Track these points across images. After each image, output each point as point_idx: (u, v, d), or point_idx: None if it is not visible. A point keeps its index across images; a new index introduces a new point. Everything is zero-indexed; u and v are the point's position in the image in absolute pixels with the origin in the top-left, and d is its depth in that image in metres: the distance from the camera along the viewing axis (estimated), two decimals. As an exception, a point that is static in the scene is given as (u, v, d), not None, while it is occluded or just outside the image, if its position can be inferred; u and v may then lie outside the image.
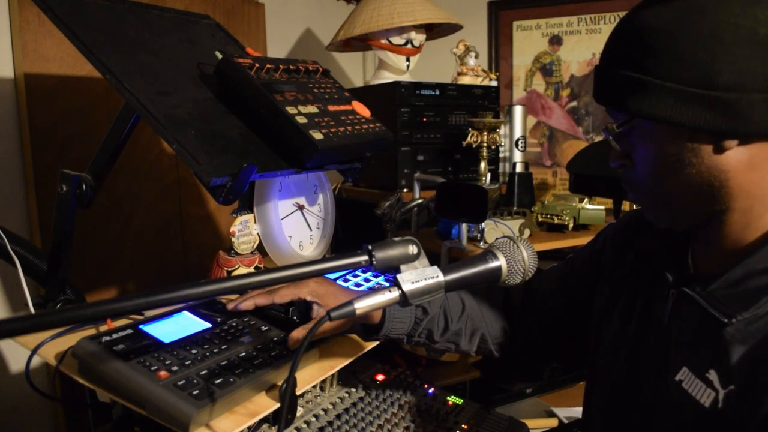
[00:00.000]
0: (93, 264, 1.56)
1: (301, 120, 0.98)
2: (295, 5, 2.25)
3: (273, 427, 0.88)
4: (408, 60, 1.84)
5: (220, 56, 1.02)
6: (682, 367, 0.67)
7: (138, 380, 0.71)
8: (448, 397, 1.12)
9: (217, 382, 0.74)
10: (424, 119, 1.66)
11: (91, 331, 0.90)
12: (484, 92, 1.78)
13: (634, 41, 0.65)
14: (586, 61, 2.35)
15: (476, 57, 1.86)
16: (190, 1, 1.76)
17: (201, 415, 0.69)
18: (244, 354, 0.82)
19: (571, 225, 1.62)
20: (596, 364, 0.86)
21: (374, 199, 1.53)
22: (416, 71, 1.92)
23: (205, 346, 0.82)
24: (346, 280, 1.14)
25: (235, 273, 1.11)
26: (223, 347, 0.82)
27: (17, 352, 1.48)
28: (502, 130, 1.88)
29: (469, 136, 1.57)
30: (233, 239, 1.10)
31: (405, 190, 1.62)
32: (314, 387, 1.02)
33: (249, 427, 0.76)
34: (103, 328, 0.91)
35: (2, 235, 1.02)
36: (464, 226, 1.37)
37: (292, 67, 1.11)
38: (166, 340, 0.81)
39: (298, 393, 0.87)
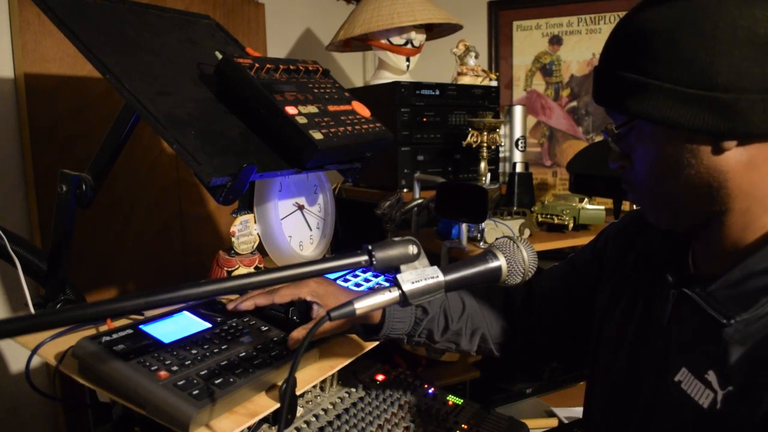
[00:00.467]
0: (93, 264, 1.56)
1: (301, 120, 0.98)
2: (295, 5, 2.25)
3: (273, 427, 0.88)
4: (408, 60, 1.84)
5: (220, 56, 1.02)
6: (682, 367, 0.67)
7: (138, 380, 0.71)
8: (448, 397, 1.12)
9: (217, 382, 0.74)
10: (424, 119, 1.66)
11: (91, 331, 0.90)
12: (484, 92, 1.78)
13: (633, 42, 0.65)
14: (586, 61, 2.35)
15: (476, 57, 1.86)
16: (190, 1, 1.76)
17: (201, 415, 0.69)
18: (244, 354, 0.82)
19: (571, 225, 1.62)
20: (597, 364, 0.86)
21: (374, 199, 1.53)
22: (416, 71, 1.92)
23: (205, 346, 0.82)
24: (346, 280, 1.14)
25: (235, 273, 1.11)
26: (223, 347, 0.82)
27: (17, 352, 1.48)
28: (502, 130, 1.88)
29: (469, 136, 1.57)
30: (233, 239, 1.10)
31: (405, 190, 1.62)
32: (314, 387, 1.02)
33: (249, 427, 0.76)
34: (103, 328, 0.91)
35: (2, 235, 1.02)
36: (464, 226, 1.37)
37: (292, 67, 1.11)
38: (166, 340, 0.81)
39: (298, 393, 0.87)
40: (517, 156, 1.90)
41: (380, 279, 1.18)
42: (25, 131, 1.44)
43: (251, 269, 1.13)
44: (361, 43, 1.87)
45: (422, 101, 1.65)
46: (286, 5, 2.19)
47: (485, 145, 1.56)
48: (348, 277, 1.16)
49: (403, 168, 1.63)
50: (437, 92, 1.68)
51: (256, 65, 1.03)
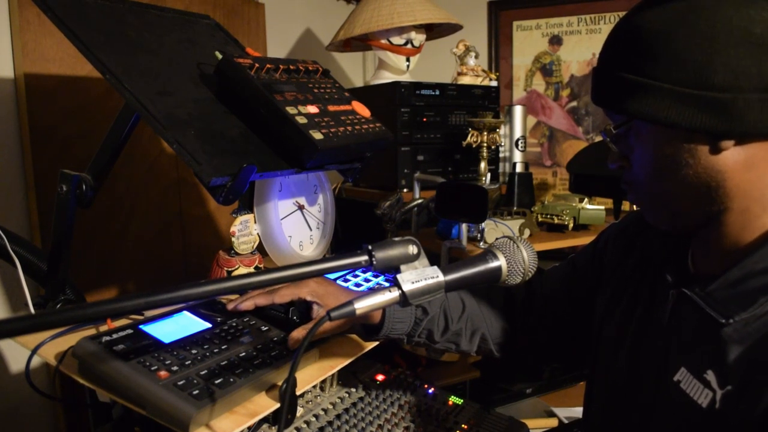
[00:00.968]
0: (93, 264, 1.56)
1: (301, 120, 0.98)
2: (295, 5, 2.25)
3: (273, 427, 0.88)
4: (408, 60, 1.84)
5: (220, 56, 1.02)
6: (681, 367, 0.67)
7: (138, 380, 0.71)
8: (448, 397, 1.12)
9: (217, 382, 0.74)
10: (424, 119, 1.66)
11: (91, 331, 0.90)
12: (484, 92, 1.78)
13: (631, 43, 0.65)
14: (586, 61, 2.35)
15: (476, 57, 1.86)
16: (190, 1, 1.76)
17: (201, 415, 0.69)
18: (244, 354, 0.82)
19: (571, 225, 1.62)
20: (597, 364, 0.86)
21: (374, 199, 1.53)
22: (416, 71, 1.92)
23: (205, 346, 0.82)
24: (346, 280, 1.14)
25: (235, 273, 1.11)
26: (223, 347, 0.82)
27: (17, 352, 1.48)
28: (502, 130, 1.88)
29: (469, 136, 1.57)
30: (233, 239, 1.10)
31: (405, 190, 1.62)
32: (314, 387, 1.02)
33: (249, 427, 0.76)
34: (103, 328, 0.91)
35: (2, 235, 1.02)
36: (464, 226, 1.37)
37: (292, 67, 1.11)
38: (166, 340, 0.81)
39: (298, 393, 0.87)
40: (517, 156, 1.90)
41: (380, 279, 1.18)
42: (25, 131, 1.44)
43: (251, 269, 1.13)
44: (361, 43, 1.87)
45: (422, 101, 1.65)
46: (286, 5, 2.19)
47: (485, 145, 1.56)
48: (348, 277, 1.16)
49: (403, 168, 1.63)
50: (437, 92, 1.68)
51: (256, 65, 1.03)
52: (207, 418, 0.71)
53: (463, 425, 1.04)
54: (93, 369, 0.75)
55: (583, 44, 2.34)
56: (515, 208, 1.61)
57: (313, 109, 1.04)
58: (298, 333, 0.86)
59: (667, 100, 0.62)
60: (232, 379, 0.75)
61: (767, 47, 0.58)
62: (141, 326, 0.84)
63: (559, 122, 2.42)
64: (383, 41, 1.81)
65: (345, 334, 0.97)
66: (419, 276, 0.67)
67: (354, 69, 2.56)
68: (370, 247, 0.66)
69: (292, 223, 1.21)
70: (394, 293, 0.66)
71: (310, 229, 1.27)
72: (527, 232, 1.53)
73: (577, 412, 1.53)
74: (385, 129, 1.16)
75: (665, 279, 0.74)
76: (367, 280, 1.16)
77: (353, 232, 1.65)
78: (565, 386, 1.70)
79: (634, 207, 1.51)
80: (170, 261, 1.75)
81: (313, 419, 0.95)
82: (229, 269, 1.11)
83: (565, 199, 1.70)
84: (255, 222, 1.14)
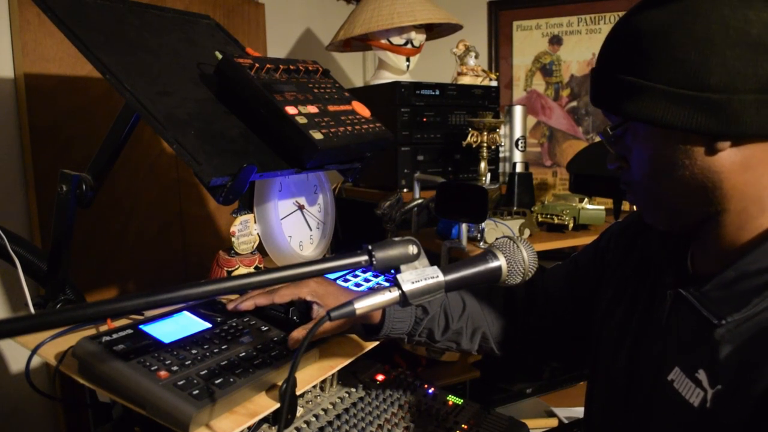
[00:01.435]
0: (93, 264, 1.56)
1: (301, 120, 0.98)
2: (295, 5, 2.25)
3: (273, 427, 0.88)
4: (408, 60, 1.84)
5: (220, 56, 1.02)
6: (675, 367, 0.68)
7: (138, 380, 0.71)
8: (448, 397, 1.12)
9: (217, 382, 0.74)
10: (424, 119, 1.66)
11: (91, 331, 0.90)
12: (484, 92, 1.78)
13: (627, 45, 0.65)
14: (586, 61, 2.35)
15: (476, 57, 1.86)
16: (190, 1, 1.76)
17: (201, 415, 0.69)
18: (244, 354, 0.82)
19: (571, 225, 1.62)
20: (597, 364, 0.86)
21: (374, 199, 1.53)
22: (416, 71, 1.92)
23: (205, 346, 0.82)
24: (346, 280, 1.14)
25: (235, 273, 1.11)
26: (223, 347, 0.82)
27: (17, 352, 1.48)
28: (502, 130, 1.88)
29: (469, 136, 1.57)
30: (233, 239, 1.10)
31: (405, 190, 1.62)
32: (314, 387, 1.02)
33: (249, 427, 0.76)
34: (103, 328, 0.91)
35: (2, 235, 1.02)
36: (464, 226, 1.37)
37: (292, 67, 1.11)
38: (166, 340, 0.81)
39: (298, 393, 0.87)
40: (517, 156, 1.90)
41: (380, 279, 1.18)
42: (25, 131, 1.44)
43: (251, 269, 1.13)
44: (361, 43, 1.87)
45: (422, 101, 1.65)
46: (286, 5, 2.19)
47: (485, 145, 1.56)
48: (348, 277, 1.16)
49: (403, 168, 1.63)
50: (437, 92, 1.68)
51: (256, 65, 1.03)
52: (207, 418, 0.71)
53: (463, 425, 1.04)
54: (93, 369, 0.75)
55: (583, 44, 2.34)
56: (515, 208, 1.61)
57: (313, 109, 1.04)
58: (298, 333, 0.86)
59: (663, 101, 0.62)
60: (232, 379, 0.75)
61: (763, 48, 0.58)
62: (141, 326, 0.84)
63: (559, 122, 2.42)
64: (383, 41, 1.81)
65: (345, 334, 0.97)
66: (419, 276, 0.67)
67: (354, 69, 2.56)
68: (370, 247, 0.66)
69: (292, 223, 1.21)
70: (394, 293, 0.66)
71: (310, 229, 1.27)
72: (527, 232, 1.53)
73: (577, 412, 1.53)
74: (385, 129, 1.16)
75: (664, 279, 0.75)
76: (367, 280, 1.16)
77: (353, 232, 1.65)
78: (565, 386, 1.70)
79: (634, 207, 1.51)
80: (170, 261, 1.75)
81: (313, 419, 0.95)
82: (229, 269, 1.11)
83: (565, 199, 1.70)
84: (255, 222, 1.14)
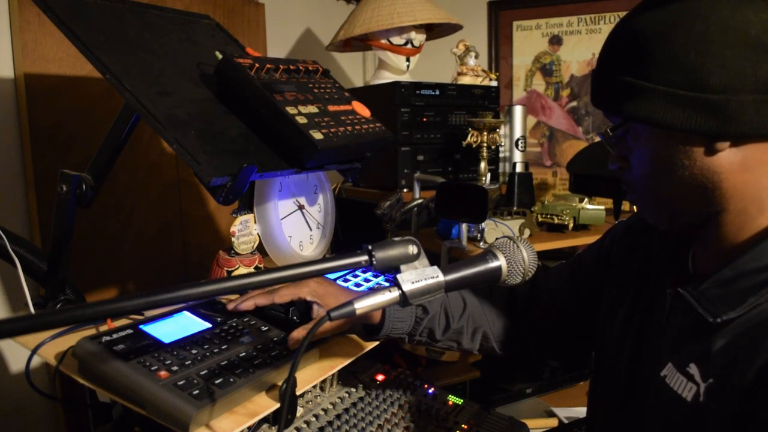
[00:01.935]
0: (93, 264, 1.56)
1: (301, 120, 0.98)
2: (295, 5, 2.25)
3: (273, 427, 0.88)
4: (408, 60, 1.84)
5: (220, 56, 1.02)
6: (668, 363, 0.68)
7: (138, 380, 0.71)
8: (448, 397, 1.12)
9: (217, 382, 0.74)
10: (424, 119, 1.66)
11: (91, 331, 0.90)
12: (484, 92, 1.78)
13: (627, 46, 0.65)
14: (586, 61, 2.35)
15: (476, 57, 1.86)
16: (190, 1, 1.76)
17: (201, 415, 0.69)
18: (244, 354, 0.82)
19: (571, 225, 1.62)
20: (600, 363, 0.86)
21: (374, 199, 1.53)
22: (416, 71, 1.92)
23: (205, 346, 0.82)
24: (346, 280, 1.14)
25: (235, 273, 1.11)
26: (223, 347, 0.82)
27: (17, 352, 1.48)
28: (502, 130, 1.88)
29: (469, 136, 1.57)
30: (233, 239, 1.10)
31: (405, 190, 1.62)
32: (314, 387, 1.02)
33: (249, 427, 0.76)
34: (103, 328, 0.91)
35: (2, 235, 1.02)
36: (464, 226, 1.37)
37: (292, 67, 1.11)
38: (166, 340, 0.81)
39: (298, 393, 0.87)
40: (517, 156, 1.90)
41: (380, 279, 1.18)
42: (25, 131, 1.44)
43: (251, 269, 1.13)
44: (361, 43, 1.87)
45: (422, 101, 1.65)
46: (286, 5, 2.19)
47: (485, 145, 1.56)
48: (348, 277, 1.16)
49: (403, 168, 1.63)
50: (437, 92, 1.68)
51: (256, 65, 1.03)
52: (207, 418, 0.71)
53: (463, 425, 1.04)
54: (93, 369, 0.75)
55: (583, 44, 2.34)
56: (515, 208, 1.61)
57: (313, 109, 1.04)
58: (298, 333, 0.86)
59: (663, 102, 0.62)
60: (232, 379, 0.75)
61: (763, 49, 0.58)
62: (141, 326, 0.84)
63: (559, 122, 2.42)
64: (383, 41, 1.81)
65: (345, 334, 0.97)
66: (419, 276, 0.67)
67: (354, 69, 2.56)
68: (370, 247, 0.66)
69: (292, 223, 1.21)
70: (394, 293, 0.66)
71: (310, 229, 1.27)
72: (527, 232, 1.53)
73: (577, 412, 1.53)
74: (385, 129, 1.16)
75: (665, 279, 0.75)
76: (367, 280, 1.16)
77: (353, 232, 1.65)
78: (565, 386, 1.70)
79: (635, 207, 1.51)
80: (170, 261, 1.75)
81: (313, 419, 0.95)
82: (229, 269, 1.11)
83: (565, 199, 1.70)
84: (255, 222, 1.14)
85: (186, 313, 0.91)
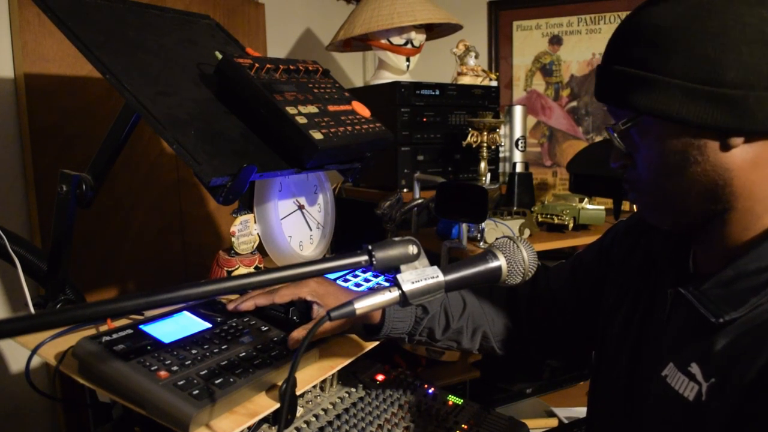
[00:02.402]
0: (93, 264, 1.56)
1: (301, 120, 0.98)
2: (295, 5, 2.25)
3: (273, 427, 0.88)
4: (408, 60, 1.84)
5: (220, 56, 1.02)
6: (669, 363, 0.68)
7: (138, 380, 0.71)
8: (448, 397, 1.12)
9: (217, 382, 0.74)
10: (424, 119, 1.66)
11: (91, 331, 0.90)
12: (484, 92, 1.78)
13: (641, 39, 0.64)
14: (586, 61, 2.35)
15: (476, 57, 1.86)
16: (190, 1, 1.76)
17: (201, 415, 0.69)
18: (244, 354, 0.82)
19: (571, 225, 1.62)
20: (600, 363, 0.86)
21: (374, 199, 1.53)
22: (416, 71, 1.92)
23: (205, 346, 0.81)
24: (346, 280, 1.14)
25: (235, 273, 1.11)
26: (223, 347, 0.82)
27: (17, 352, 1.48)
28: (502, 130, 1.88)
29: (469, 136, 1.57)
30: (233, 239, 1.10)
31: (405, 190, 1.62)
32: (314, 387, 1.02)
33: (249, 427, 0.76)
34: (103, 328, 0.91)
35: (2, 235, 1.02)
36: (464, 226, 1.37)
37: (292, 67, 1.11)
38: (166, 340, 0.81)
39: (298, 393, 0.87)
40: (517, 156, 1.90)
41: (380, 279, 1.18)
42: (25, 131, 1.44)
43: (251, 269, 1.13)
44: (361, 43, 1.87)
45: (422, 101, 1.65)
46: (286, 5, 2.19)
47: (485, 145, 1.56)
48: (348, 277, 1.16)
49: (403, 168, 1.63)
50: (437, 92, 1.68)
51: (256, 65, 1.03)
52: (207, 418, 0.71)
53: (463, 425, 1.04)
54: (93, 369, 0.75)
55: (583, 44, 2.34)
56: (515, 208, 1.61)
57: (313, 109, 1.04)
58: (298, 333, 0.86)
59: (678, 95, 0.61)
60: (232, 379, 0.75)
61: None
62: (141, 326, 0.84)
63: (559, 122, 2.42)
64: (383, 41, 1.81)
65: (345, 334, 0.97)
66: (419, 276, 0.67)
67: (354, 69, 2.56)
68: (370, 247, 0.66)
69: (292, 223, 1.21)
70: (394, 293, 0.66)
71: (310, 229, 1.27)
72: (527, 232, 1.53)
73: (577, 412, 1.53)
74: (385, 129, 1.16)
75: (665, 279, 0.75)
76: (367, 280, 1.16)
77: (353, 232, 1.64)
78: (565, 386, 1.70)
79: (635, 207, 1.51)
80: (170, 261, 1.75)
81: (313, 419, 0.95)
82: (229, 269, 1.11)
83: (565, 199, 1.70)
84: (255, 222, 1.14)
85: (186, 313, 0.91)
